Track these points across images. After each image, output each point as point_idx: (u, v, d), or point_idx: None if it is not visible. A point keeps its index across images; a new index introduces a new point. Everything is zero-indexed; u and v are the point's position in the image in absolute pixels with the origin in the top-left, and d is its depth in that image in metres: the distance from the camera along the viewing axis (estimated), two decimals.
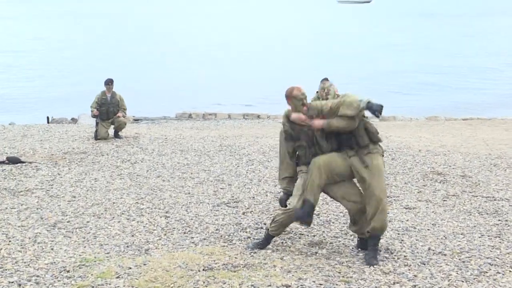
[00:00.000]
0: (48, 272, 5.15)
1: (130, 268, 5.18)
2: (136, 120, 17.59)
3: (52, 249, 5.81)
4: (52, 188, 8.25)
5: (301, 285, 4.85)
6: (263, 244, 5.81)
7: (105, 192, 8.03)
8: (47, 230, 6.39)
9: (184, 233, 6.37)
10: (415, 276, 5.14)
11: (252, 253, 5.66)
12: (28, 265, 5.35)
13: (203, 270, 5.15)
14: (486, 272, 5.27)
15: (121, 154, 10.82)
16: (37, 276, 5.07)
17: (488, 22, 64.38)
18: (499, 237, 6.28)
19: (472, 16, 74.00)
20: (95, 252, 5.73)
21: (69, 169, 9.51)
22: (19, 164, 9.68)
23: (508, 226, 6.66)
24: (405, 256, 5.64)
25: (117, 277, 4.98)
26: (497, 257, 5.64)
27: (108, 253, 5.70)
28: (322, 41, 44.82)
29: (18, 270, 5.20)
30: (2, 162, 9.65)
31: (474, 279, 5.12)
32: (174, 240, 6.11)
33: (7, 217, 6.82)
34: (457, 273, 5.23)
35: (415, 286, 4.93)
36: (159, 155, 10.80)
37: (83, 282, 4.91)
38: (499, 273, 5.26)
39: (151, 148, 11.50)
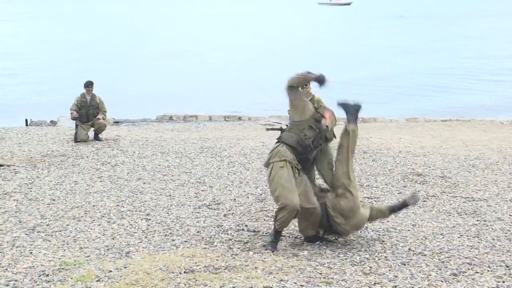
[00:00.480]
0: (27, 276, 5.10)
1: (111, 271, 5.15)
2: (117, 122, 17.49)
3: (31, 252, 5.75)
4: (31, 191, 8.16)
5: (283, 286, 4.86)
6: (276, 241, 5.80)
7: (85, 195, 7.98)
8: (26, 234, 6.32)
9: (165, 235, 6.34)
10: (395, 276, 5.18)
11: (233, 255, 5.66)
12: (6, 269, 5.29)
13: (185, 272, 5.13)
14: (465, 272, 5.32)
15: (101, 157, 10.74)
16: (16, 280, 5.02)
17: (470, 24, 65.19)
18: (477, 237, 6.35)
19: (453, 18, 74.88)
20: (75, 255, 5.68)
21: (49, 172, 9.42)
22: None
23: (487, 226, 6.75)
24: (385, 257, 5.68)
25: (98, 281, 4.95)
26: (475, 257, 5.71)
27: (88, 256, 5.66)
28: (303, 44, 44.99)
29: None
30: None
31: (453, 279, 5.18)
32: (155, 243, 6.08)
33: None
34: (437, 273, 5.28)
35: (395, 286, 4.97)
36: (139, 157, 10.75)
37: (62, 285, 4.87)
38: (478, 272, 5.32)
39: (132, 150, 11.44)
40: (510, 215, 7.20)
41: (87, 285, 4.85)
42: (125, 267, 5.23)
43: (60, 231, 6.45)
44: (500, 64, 33.62)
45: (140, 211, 7.25)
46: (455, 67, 32.17)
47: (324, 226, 5.96)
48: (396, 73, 30.30)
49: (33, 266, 5.35)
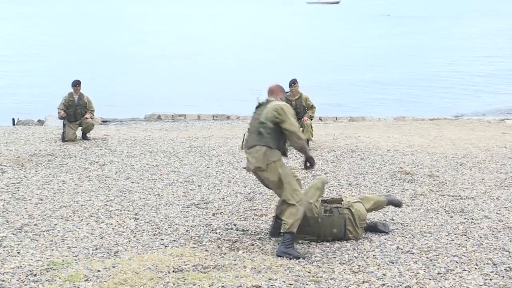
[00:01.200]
0: (14, 276, 5.07)
1: (99, 270, 5.13)
2: (105, 122, 17.42)
3: (18, 252, 5.71)
4: (18, 191, 8.12)
5: (271, 285, 4.87)
6: (291, 242, 5.70)
7: (73, 195, 7.94)
8: (13, 234, 6.28)
9: (154, 234, 6.33)
10: (384, 275, 5.21)
11: (222, 254, 5.66)
12: None
13: (173, 271, 5.12)
14: (453, 270, 5.36)
15: (90, 156, 10.70)
16: (3, 280, 4.98)
17: (451, 24, 65.59)
18: (465, 235, 6.40)
19: (436, 18, 75.31)
20: (63, 255, 5.65)
21: (36, 171, 9.37)
22: None
23: (474, 224, 6.80)
24: (374, 255, 5.71)
25: (86, 280, 4.93)
26: (463, 255, 5.75)
27: (76, 256, 5.64)
28: (292, 43, 45.07)
29: None
30: None
31: (441, 277, 5.21)
32: (144, 242, 6.07)
33: None
34: (425, 271, 5.31)
35: (383, 285, 4.99)
36: (128, 156, 10.72)
37: (50, 285, 4.85)
38: (465, 270, 5.36)
39: (120, 149, 11.40)
40: (497, 213, 7.25)
41: (75, 285, 4.83)
42: (113, 267, 5.21)
43: (48, 230, 6.42)
44: (488, 66, 33.83)
45: (128, 211, 7.22)
46: (443, 70, 32.30)
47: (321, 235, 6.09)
48: (388, 76, 30.40)
49: (21, 266, 5.32)
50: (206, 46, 42.53)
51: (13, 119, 17.09)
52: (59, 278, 4.99)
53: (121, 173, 9.34)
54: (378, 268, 5.37)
